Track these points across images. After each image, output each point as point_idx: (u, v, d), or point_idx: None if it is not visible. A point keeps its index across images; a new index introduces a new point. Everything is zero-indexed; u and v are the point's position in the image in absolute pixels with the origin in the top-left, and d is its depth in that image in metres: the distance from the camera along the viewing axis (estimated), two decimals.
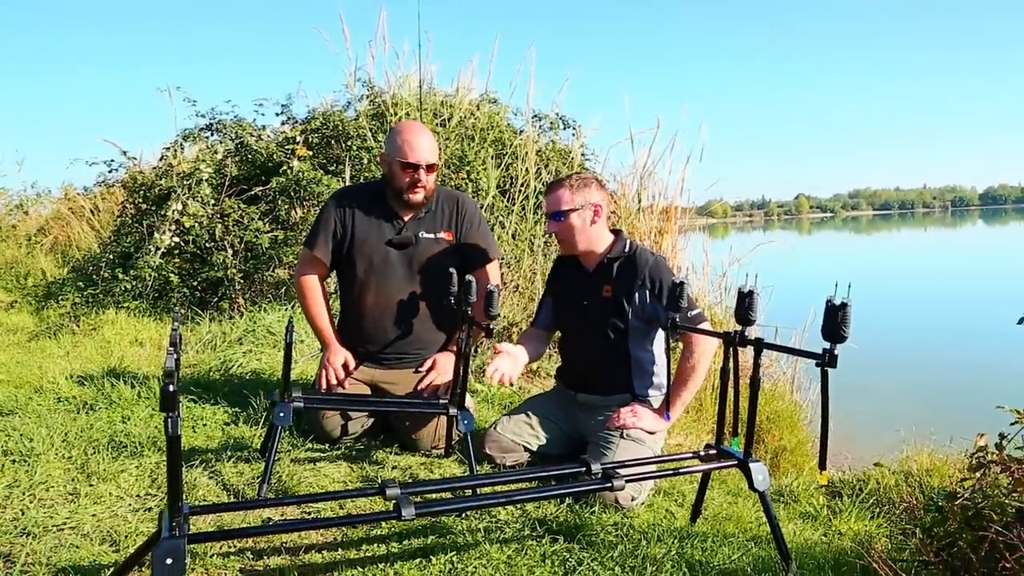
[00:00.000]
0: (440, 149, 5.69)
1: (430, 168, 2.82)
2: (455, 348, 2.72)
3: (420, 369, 2.90)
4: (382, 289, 2.88)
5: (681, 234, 6.29)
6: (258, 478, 2.41)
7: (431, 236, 2.90)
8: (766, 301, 5.33)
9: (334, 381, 2.78)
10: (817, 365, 1.78)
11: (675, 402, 2.62)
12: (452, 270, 2.63)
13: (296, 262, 3.13)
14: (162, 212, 5.56)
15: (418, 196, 2.83)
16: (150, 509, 2.21)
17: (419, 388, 2.85)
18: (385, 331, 2.91)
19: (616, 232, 2.79)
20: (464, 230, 2.96)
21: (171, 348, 1.48)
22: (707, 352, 2.59)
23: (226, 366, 3.93)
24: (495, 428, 2.79)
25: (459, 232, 2.95)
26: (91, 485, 2.36)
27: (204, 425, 3.01)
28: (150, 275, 5.39)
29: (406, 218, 2.89)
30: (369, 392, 2.93)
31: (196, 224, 5.46)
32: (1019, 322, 1.95)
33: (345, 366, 2.83)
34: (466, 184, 5.59)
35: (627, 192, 6.37)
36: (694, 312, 2.57)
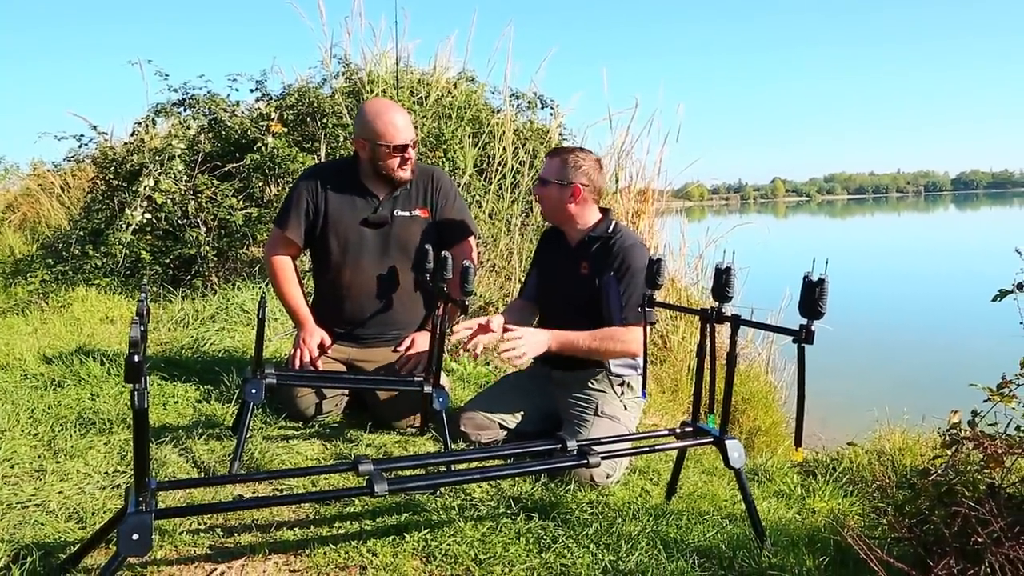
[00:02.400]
0: (418, 126, 5.63)
1: (413, 145, 2.82)
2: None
3: (398, 348, 2.87)
4: (358, 269, 2.85)
5: (658, 216, 6.28)
6: (230, 456, 2.38)
7: (406, 214, 2.87)
8: (742, 283, 5.35)
9: (308, 360, 2.74)
10: (794, 341, 1.78)
11: (575, 340, 2.56)
12: (428, 247, 2.60)
13: (268, 241, 3.08)
14: (134, 188, 5.46)
15: (407, 173, 2.83)
16: (118, 486, 2.17)
17: (395, 366, 2.82)
18: (362, 311, 2.89)
19: (605, 212, 2.78)
20: (440, 206, 2.93)
21: (137, 318, 1.44)
22: (626, 345, 2.55)
23: (198, 344, 3.88)
24: (470, 406, 2.78)
25: (435, 208, 2.93)
26: (58, 462, 2.31)
27: (175, 403, 2.96)
28: (121, 252, 5.30)
29: (381, 196, 2.86)
30: (344, 370, 2.90)
31: (168, 200, 5.38)
32: (993, 299, 1.96)
33: (321, 345, 2.80)
34: (443, 163, 5.55)
35: (604, 172, 6.35)
36: (647, 308, 2.52)
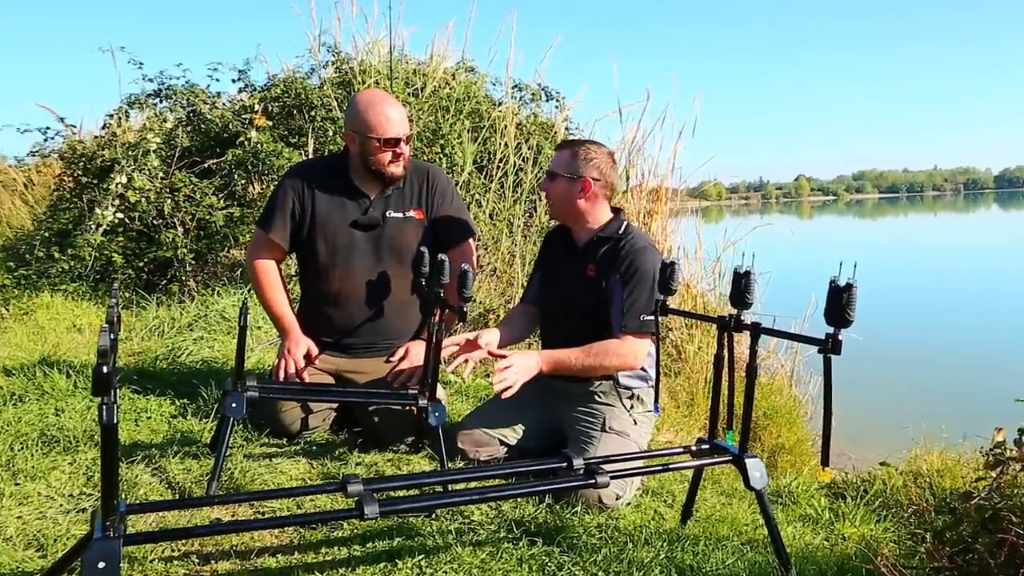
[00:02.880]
0: (414, 120, 5.64)
1: (407, 140, 2.81)
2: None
3: (391, 359, 2.87)
4: (348, 274, 2.85)
5: (672, 217, 6.28)
6: (207, 476, 2.37)
7: (400, 215, 2.88)
8: (763, 288, 5.35)
9: (292, 371, 2.74)
10: (820, 351, 1.77)
11: (567, 359, 2.56)
12: (424, 249, 2.60)
13: (250, 244, 3.09)
14: (104, 186, 5.46)
15: (399, 169, 2.83)
16: (84, 510, 2.16)
17: (388, 378, 2.82)
18: (352, 319, 2.89)
19: (616, 211, 2.78)
20: (435, 206, 2.93)
21: (107, 326, 1.43)
22: (624, 359, 2.55)
23: (174, 354, 3.88)
24: (468, 421, 2.78)
25: (430, 209, 2.93)
26: (17, 484, 2.31)
27: (148, 418, 2.96)
28: (90, 255, 5.30)
29: (372, 195, 2.86)
30: (332, 382, 2.90)
31: (143, 199, 5.38)
32: None
33: (307, 356, 2.80)
34: (440, 159, 5.56)
35: (617, 167, 6.35)
36: (647, 317, 2.52)
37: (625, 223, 2.72)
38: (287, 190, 2.88)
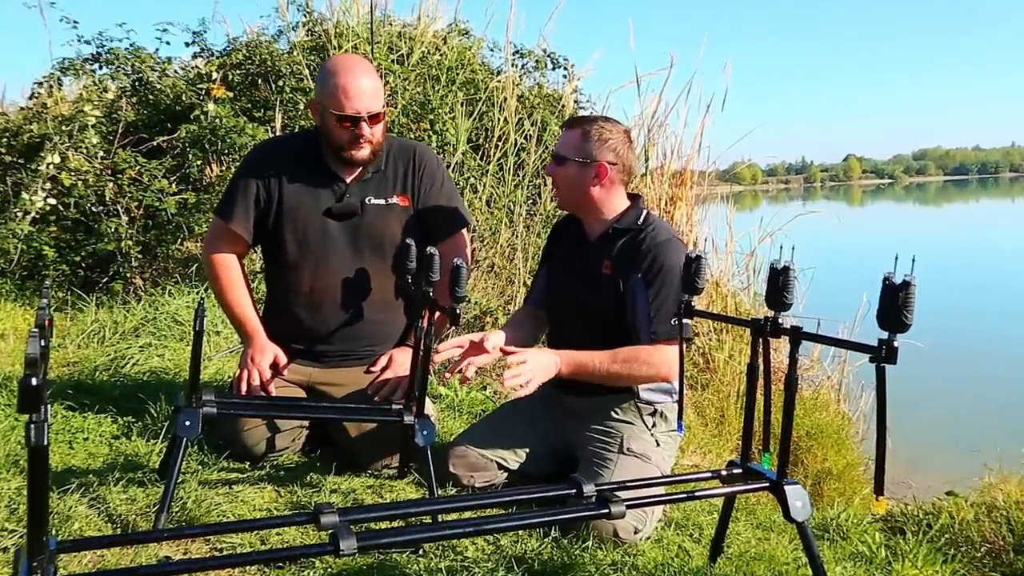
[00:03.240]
0: (398, 91, 5.64)
1: (374, 118, 2.77)
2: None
3: (371, 368, 2.88)
4: (321, 270, 2.86)
5: (698, 204, 6.30)
6: (155, 506, 2.37)
7: (381, 202, 2.88)
8: (805, 287, 5.36)
9: (257, 383, 2.74)
10: (872, 360, 1.77)
11: (586, 360, 2.58)
12: (410, 242, 2.60)
13: (207, 235, 3.09)
14: (33, 167, 5.45)
15: (362, 152, 2.81)
16: (6, 549, 2.16)
17: (368, 390, 2.83)
18: (326, 323, 2.89)
19: (634, 199, 2.78)
20: (423, 191, 2.93)
21: (36, 331, 1.43)
22: (655, 367, 2.56)
23: (117, 364, 3.88)
24: (462, 441, 2.78)
25: (416, 194, 2.93)
26: None
27: (86, 439, 2.96)
28: (16, 247, 5.30)
29: (348, 180, 2.87)
30: (304, 396, 2.90)
31: (79, 182, 5.39)
32: None
33: (274, 365, 2.80)
34: (429, 137, 5.57)
35: (634, 147, 6.36)
36: (669, 326, 2.53)
37: (645, 212, 2.72)
38: (250, 173, 2.88)
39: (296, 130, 5.48)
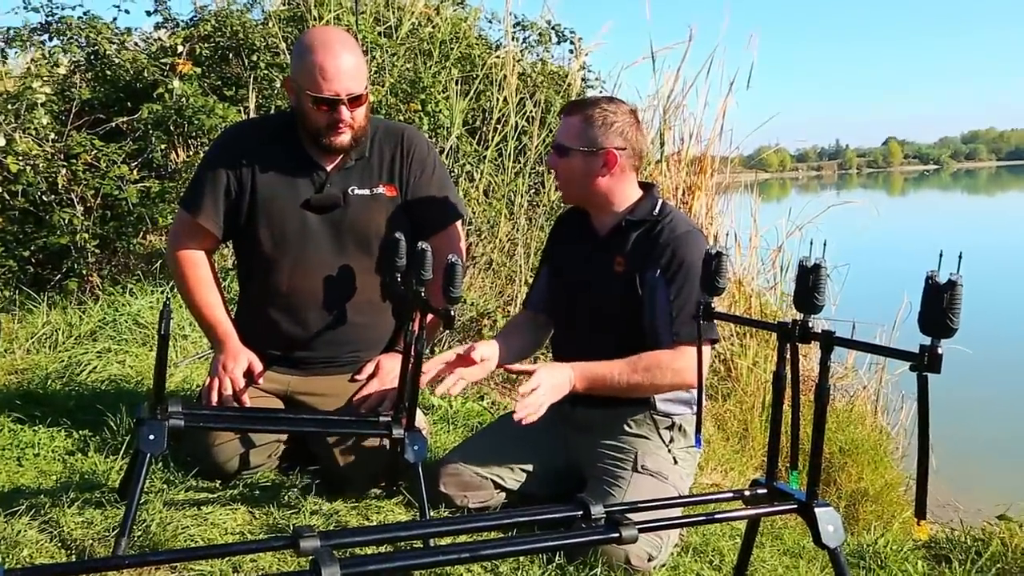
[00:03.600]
0: (386, 68, 5.65)
1: (355, 101, 2.75)
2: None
3: (357, 376, 2.89)
4: (300, 268, 2.86)
5: (719, 193, 6.32)
6: (114, 530, 2.38)
7: (365, 192, 2.88)
8: (838, 286, 5.37)
9: (229, 392, 2.75)
10: (912, 369, 1.78)
11: (605, 374, 2.59)
12: (398, 236, 2.59)
13: (172, 229, 3.09)
14: None
15: (341, 139, 2.80)
16: None
17: (354, 401, 2.84)
18: (306, 326, 2.90)
19: (647, 187, 2.80)
20: (412, 180, 2.94)
21: None
22: (677, 373, 2.58)
23: (72, 371, 3.89)
24: (456, 457, 2.79)
25: (405, 183, 2.94)
26: None
27: (36, 455, 2.97)
28: None
29: (329, 168, 2.87)
30: (281, 407, 2.91)
31: (27, 168, 5.36)
32: None
33: (248, 373, 2.81)
34: (420, 119, 5.57)
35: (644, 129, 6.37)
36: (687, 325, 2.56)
37: (660, 201, 2.74)
38: (220, 160, 2.88)
39: (272, 111, 5.48)
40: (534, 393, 2.48)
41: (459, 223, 3.03)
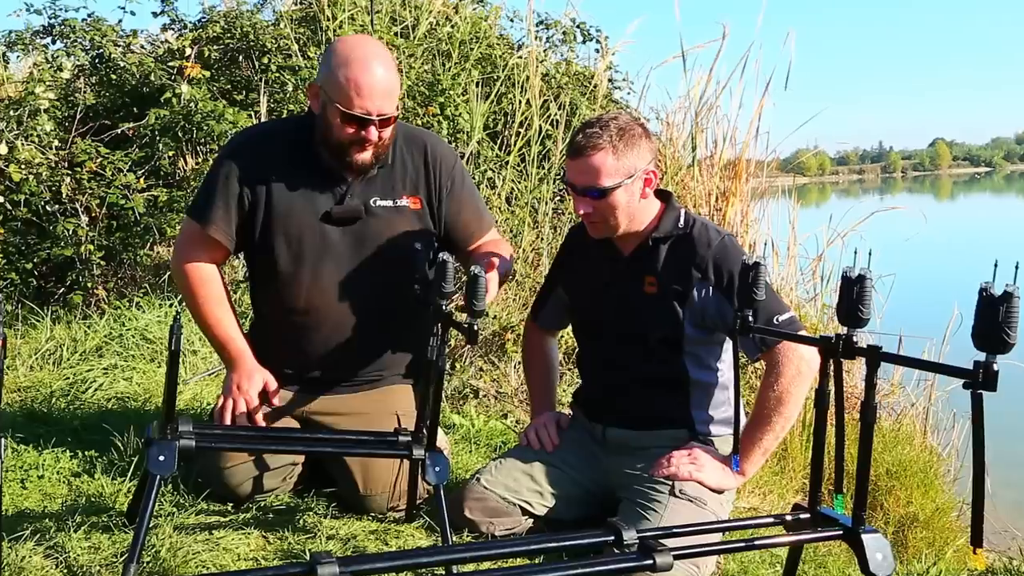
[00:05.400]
0: (403, 70, 5.67)
1: (385, 122, 2.73)
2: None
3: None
4: (318, 284, 2.84)
5: (755, 199, 6.29)
6: (122, 555, 2.39)
7: (388, 203, 2.87)
8: (884, 297, 5.33)
9: (242, 410, 2.75)
10: (966, 387, 1.77)
11: (751, 448, 2.63)
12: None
13: (178, 240, 3.06)
14: None
15: (364, 156, 2.78)
16: None
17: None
18: (323, 344, 2.89)
19: (664, 197, 2.79)
20: (440, 192, 2.94)
21: None
22: (802, 375, 2.59)
23: (77, 389, 3.91)
24: (480, 481, 2.79)
25: (434, 195, 2.93)
26: None
27: (40, 477, 2.98)
28: None
29: (350, 178, 2.85)
30: (297, 427, 2.92)
31: (30, 177, 5.40)
32: None
33: (263, 393, 2.79)
34: (438, 124, 5.57)
35: (675, 136, 6.36)
36: (784, 316, 2.59)
37: (682, 212, 2.74)
38: (231, 167, 2.85)
39: (284, 116, 5.50)
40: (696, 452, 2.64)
41: (490, 233, 3.04)
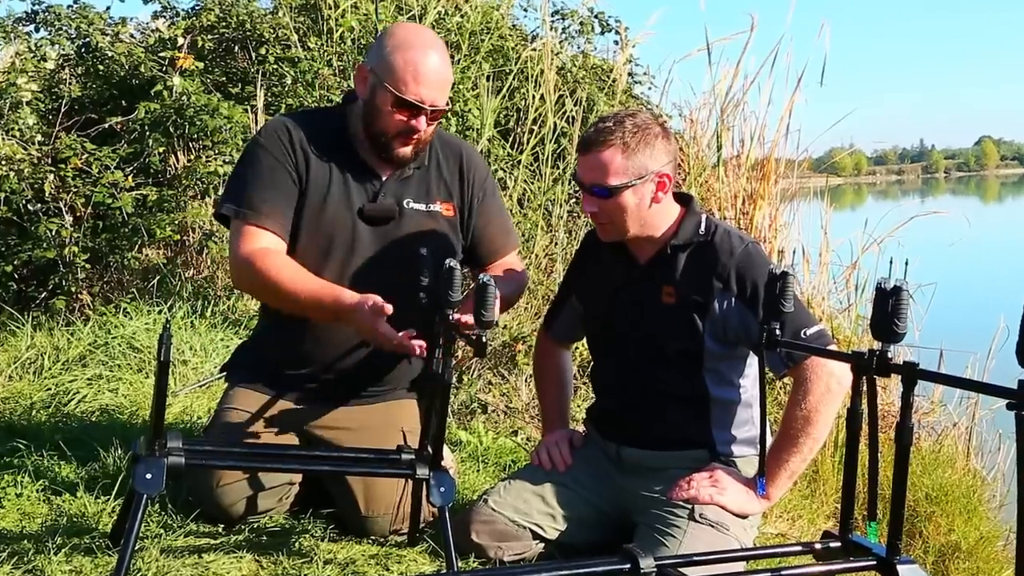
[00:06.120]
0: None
1: (435, 116, 2.77)
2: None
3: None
4: (344, 284, 2.77)
5: (785, 202, 6.28)
6: None
7: (421, 207, 2.89)
8: (923, 309, 5.32)
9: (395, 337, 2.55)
10: (1010, 407, 1.76)
11: (777, 470, 2.63)
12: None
13: (232, 250, 2.87)
14: None
15: (407, 150, 2.80)
16: None
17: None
18: (336, 351, 2.89)
19: (684, 201, 2.80)
20: (472, 202, 2.96)
21: None
22: (832, 392, 2.59)
23: (59, 401, 3.92)
24: (488, 502, 2.79)
25: (467, 204, 2.96)
26: None
27: (18, 495, 2.97)
28: None
29: (384, 175, 2.86)
30: (296, 443, 2.93)
31: (11, 174, 5.42)
32: None
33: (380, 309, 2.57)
34: (446, 120, 5.57)
35: (700, 134, 6.36)
36: (812, 330, 2.59)
37: (703, 217, 2.74)
38: (270, 152, 2.81)
39: (283, 110, 5.51)
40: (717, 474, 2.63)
41: (516, 251, 3.08)
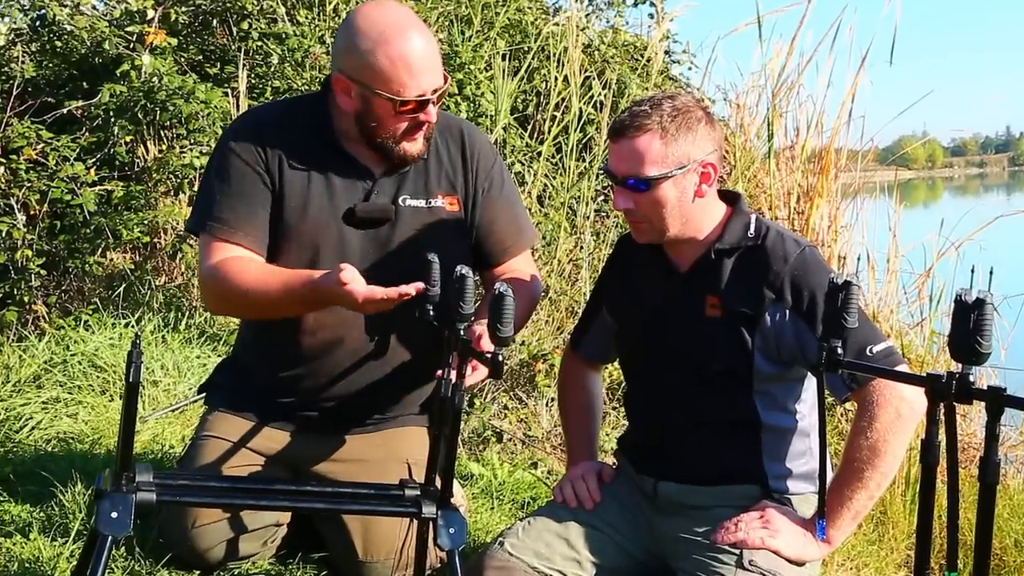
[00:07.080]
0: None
1: (439, 97, 2.76)
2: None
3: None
4: None
5: (846, 199, 6.27)
6: None
7: (420, 204, 2.89)
8: (1011, 324, 5.30)
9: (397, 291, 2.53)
10: None
11: (839, 510, 2.62)
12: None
13: (201, 263, 2.91)
14: None
15: (417, 146, 2.80)
16: None
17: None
18: (331, 374, 2.90)
19: (730, 199, 2.80)
20: (476, 193, 2.95)
21: None
22: (903, 420, 2.57)
23: (9, 427, 3.95)
24: (504, 545, 2.78)
25: (468, 196, 2.95)
26: None
27: None
28: None
29: (377, 172, 2.86)
30: (284, 476, 2.93)
31: None
32: None
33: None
34: (456, 105, 5.59)
35: (748, 121, 6.35)
36: (879, 347, 2.58)
37: (753, 217, 2.74)
38: (241, 156, 2.82)
39: (268, 94, 5.52)
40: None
41: (529, 250, 3.07)
